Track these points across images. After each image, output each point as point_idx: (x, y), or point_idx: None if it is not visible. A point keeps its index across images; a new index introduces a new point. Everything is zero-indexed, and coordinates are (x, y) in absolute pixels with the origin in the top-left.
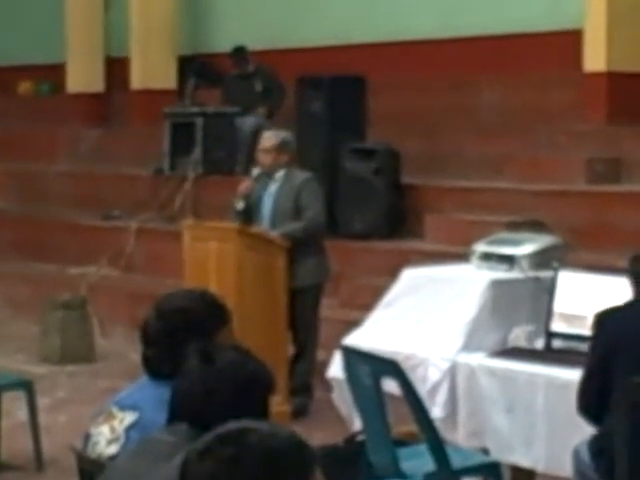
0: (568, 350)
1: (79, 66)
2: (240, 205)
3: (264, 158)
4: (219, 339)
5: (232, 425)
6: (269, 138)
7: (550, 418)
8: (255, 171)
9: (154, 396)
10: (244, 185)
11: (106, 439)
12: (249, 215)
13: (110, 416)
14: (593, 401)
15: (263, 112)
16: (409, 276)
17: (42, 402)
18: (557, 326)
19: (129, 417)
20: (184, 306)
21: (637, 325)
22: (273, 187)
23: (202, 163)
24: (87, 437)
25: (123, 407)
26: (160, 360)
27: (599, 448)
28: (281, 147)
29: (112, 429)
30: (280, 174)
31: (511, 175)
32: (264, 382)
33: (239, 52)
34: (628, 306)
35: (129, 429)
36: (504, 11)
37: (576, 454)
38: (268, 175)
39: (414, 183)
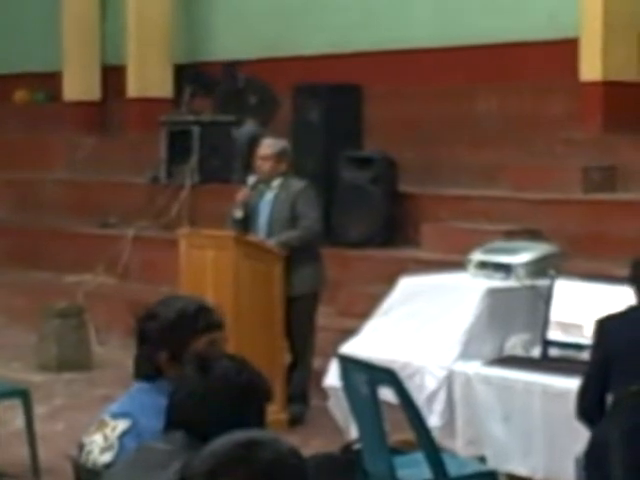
0: (565, 358)
1: (75, 74)
2: (239, 214)
3: (262, 165)
4: (208, 345)
5: (233, 446)
6: (268, 146)
7: (547, 426)
8: (251, 179)
9: (145, 402)
10: (241, 193)
11: (99, 447)
12: (246, 223)
13: (102, 424)
14: (591, 406)
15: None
16: (406, 284)
17: (39, 410)
18: (554, 334)
19: (122, 424)
20: (181, 307)
21: (636, 332)
22: (269, 195)
23: (198, 171)
24: (81, 446)
25: (115, 415)
26: (143, 359)
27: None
28: (280, 155)
29: (105, 437)
30: (277, 182)
31: (508, 184)
32: (260, 391)
33: (228, 68)
34: (628, 312)
35: (122, 436)
36: (501, 20)
37: (579, 463)
38: (265, 183)
39: (411, 192)
